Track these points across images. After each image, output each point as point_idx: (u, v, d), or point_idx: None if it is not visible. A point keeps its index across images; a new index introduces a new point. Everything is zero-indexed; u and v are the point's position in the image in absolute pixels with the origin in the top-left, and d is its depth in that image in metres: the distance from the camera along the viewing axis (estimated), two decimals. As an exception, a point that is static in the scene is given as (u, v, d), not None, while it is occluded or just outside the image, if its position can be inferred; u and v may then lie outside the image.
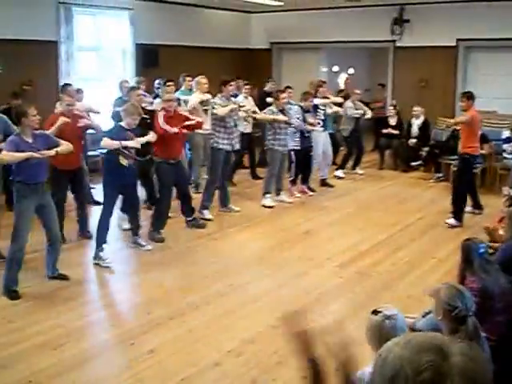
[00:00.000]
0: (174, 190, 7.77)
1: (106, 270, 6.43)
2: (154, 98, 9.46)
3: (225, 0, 13.37)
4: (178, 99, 8.88)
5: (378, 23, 13.32)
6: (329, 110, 10.52)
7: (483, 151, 9.51)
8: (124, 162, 6.58)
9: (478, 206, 8.54)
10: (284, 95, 9.07)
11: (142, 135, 6.81)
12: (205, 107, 8.79)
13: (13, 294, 5.61)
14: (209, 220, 8.18)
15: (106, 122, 8.21)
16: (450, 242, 7.26)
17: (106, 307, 5.63)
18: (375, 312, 2.95)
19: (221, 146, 8.26)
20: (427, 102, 12.02)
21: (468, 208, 8.33)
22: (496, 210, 7.48)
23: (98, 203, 8.45)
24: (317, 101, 9.97)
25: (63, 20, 10.85)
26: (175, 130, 7.28)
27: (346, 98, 11.59)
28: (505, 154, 10.12)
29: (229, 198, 8.77)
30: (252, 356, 4.58)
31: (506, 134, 10.10)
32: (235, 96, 9.86)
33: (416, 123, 11.75)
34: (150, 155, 7.46)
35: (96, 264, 6.51)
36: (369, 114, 11.49)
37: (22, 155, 5.46)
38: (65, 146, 5.90)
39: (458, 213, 7.99)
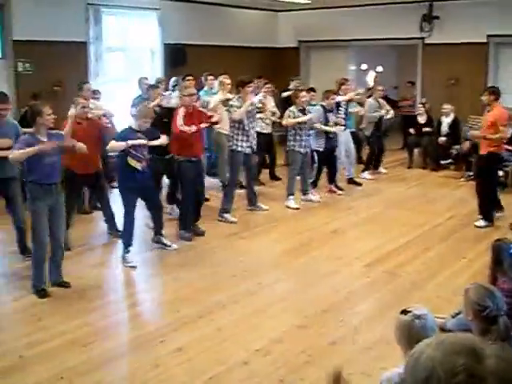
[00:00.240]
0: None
1: (133, 269, 6.47)
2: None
3: (252, -1, 13.41)
4: (198, 96, 8.87)
5: (406, 20, 13.20)
6: (351, 109, 10.41)
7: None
8: (137, 165, 6.44)
9: (498, 206, 8.32)
10: (303, 94, 8.97)
11: (156, 137, 6.72)
12: (226, 107, 8.77)
13: (41, 293, 5.63)
14: (232, 223, 8.09)
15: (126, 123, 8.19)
16: (479, 242, 7.17)
17: (134, 306, 5.67)
18: (405, 312, 2.93)
19: (239, 149, 8.14)
20: (457, 99, 11.90)
21: None
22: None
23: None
24: (339, 98, 9.83)
25: (92, 21, 10.98)
26: (193, 129, 7.15)
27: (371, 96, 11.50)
28: None
29: (256, 197, 8.74)
30: (280, 355, 4.57)
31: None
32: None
33: (446, 121, 11.63)
34: (171, 154, 7.43)
35: (123, 265, 6.55)
36: (391, 114, 11.29)
37: (30, 150, 5.36)
38: (81, 146, 5.95)
39: (486, 213, 7.86)
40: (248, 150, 8.20)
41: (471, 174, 10.78)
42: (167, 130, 7.19)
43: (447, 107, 11.58)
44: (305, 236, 7.66)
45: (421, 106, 12.51)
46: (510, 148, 9.25)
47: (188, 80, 9.02)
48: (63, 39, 10.42)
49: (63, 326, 5.06)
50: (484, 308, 3.26)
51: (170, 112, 7.63)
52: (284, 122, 9.01)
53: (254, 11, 14.75)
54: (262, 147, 10.11)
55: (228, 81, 8.95)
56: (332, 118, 9.44)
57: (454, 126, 11.59)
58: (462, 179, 10.80)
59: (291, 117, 8.85)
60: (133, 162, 6.41)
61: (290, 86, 11.72)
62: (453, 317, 4.75)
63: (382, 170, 11.55)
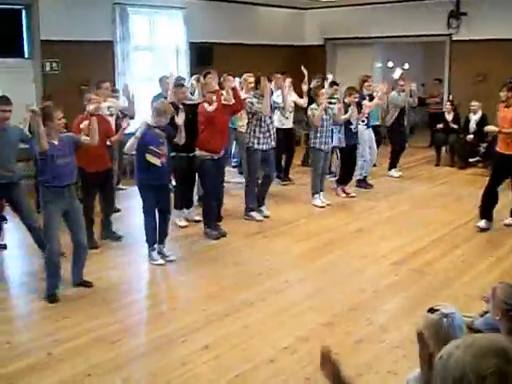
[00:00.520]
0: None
1: (160, 267, 6.50)
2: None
3: (278, -3, 13.40)
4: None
5: (433, 17, 13.08)
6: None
7: None
8: (156, 161, 6.32)
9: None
10: (323, 91, 8.85)
11: (172, 135, 6.66)
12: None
13: (51, 298, 5.52)
14: (258, 221, 8.07)
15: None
16: (508, 240, 7.10)
17: (161, 304, 5.70)
18: (432, 310, 2.90)
19: (256, 146, 8.02)
20: (485, 96, 11.74)
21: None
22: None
23: (117, 210, 8.34)
24: (365, 104, 9.67)
25: (118, 20, 11.05)
26: (213, 107, 7.14)
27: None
28: None
29: (263, 200, 8.44)
30: (306, 353, 4.56)
31: None
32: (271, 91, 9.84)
33: (474, 118, 11.49)
34: (194, 152, 7.38)
35: (150, 263, 6.56)
36: (414, 104, 11.27)
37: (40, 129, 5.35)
38: (91, 140, 5.95)
39: None
40: (265, 147, 8.09)
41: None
42: (191, 127, 7.17)
43: (475, 104, 11.45)
44: (330, 235, 7.63)
45: (448, 103, 12.40)
46: None
47: (209, 77, 8.98)
48: (90, 39, 10.51)
49: (90, 323, 5.11)
50: (511, 307, 3.23)
51: (192, 108, 7.55)
52: (314, 123, 8.72)
53: (280, 9, 14.73)
54: (281, 144, 10.07)
55: (251, 79, 8.87)
56: (355, 112, 9.28)
57: (482, 123, 11.42)
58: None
59: (314, 115, 8.73)
60: (151, 159, 6.31)
61: (312, 85, 11.53)
62: (481, 316, 4.70)
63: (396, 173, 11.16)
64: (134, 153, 6.46)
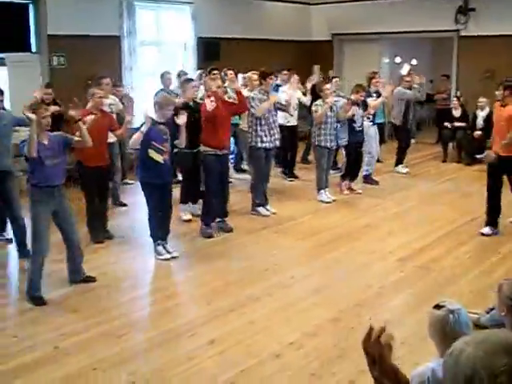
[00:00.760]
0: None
1: (166, 262, 6.51)
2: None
3: (285, -8, 13.37)
4: (225, 89, 8.82)
5: (441, 12, 13.04)
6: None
7: None
8: (159, 158, 6.27)
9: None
10: (327, 86, 8.80)
11: (176, 132, 6.57)
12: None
13: (37, 300, 5.38)
14: (264, 216, 8.04)
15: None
16: (515, 237, 7.07)
17: (167, 299, 5.70)
18: (438, 306, 2.90)
19: (259, 145, 7.94)
20: (493, 93, 11.69)
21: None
22: None
23: (123, 205, 8.51)
24: (370, 102, 9.60)
25: (126, 15, 11.05)
26: (211, 106, 6.98)
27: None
28: None
29: (267, 199, 8.38)
30: (312, 349, 4.56)
31: None
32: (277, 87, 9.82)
33: (481, 115, 11.43)
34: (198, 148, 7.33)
35: (156, 258, 6.56)
36: (422, 98, 11.16)
37: (31, 135, 5.16)
38: (83, 141, 5.68)
39: None
40: (268, 145, 8.01)
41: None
42: (195, 123, 7.14)
43: (482, 101, 11.38)
44: (336, 231, 7.62)
45: (456, 99, 12.35)
46: None
47: (214, 74, 8.90)
48: (97, 33, 10.52)
49: (96, 317, 5.12)
50: (517, 303, 3.22)
51: (197, 106, 7.52)
52: (317, 119, 8.67)
53: (287, 4, 14.72)
54: (284, 141, 10.04)
55: (255, 76, 8.69)
56: (359, 112, 9.20)
57: (490, 119, 11.39)
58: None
59: (318, 111, 8.67)
60: (154, 155, 6.25)
61: (314, 76, 11.51)
62: (487, 312, 4.70)
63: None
64: (138, 147, 6.41)
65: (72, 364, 4.37)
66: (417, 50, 15.78)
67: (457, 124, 11.89)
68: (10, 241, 6.84)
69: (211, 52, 12.40)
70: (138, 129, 6.43)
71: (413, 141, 13.61)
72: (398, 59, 15.33)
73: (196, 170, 7.69)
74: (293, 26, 14.82)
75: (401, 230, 7.64)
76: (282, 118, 9.66)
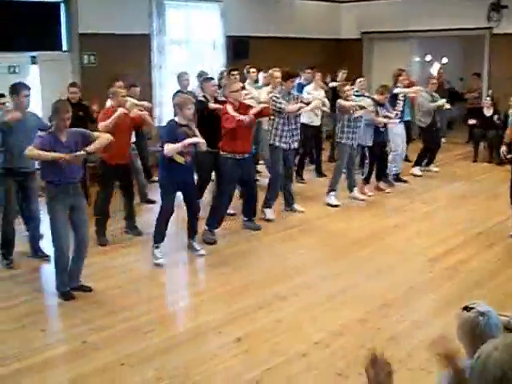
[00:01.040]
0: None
1: (193, 259, 6.53)
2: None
3: (315, -10, 13.32)
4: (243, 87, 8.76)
5: (473, 10, 12.86)
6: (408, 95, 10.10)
7: None
8: (180, 159, 6.18)
9: None
10: (347, 87, 8.64)
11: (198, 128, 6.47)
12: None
13: (67, 295, 5.44)
14: (269, 221, 7.81)
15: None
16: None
17: (194, 296, 5.73)
18: (467, 308, 2.85)
19: (277, 144, 7.80)
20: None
21: None
22: None
23: (151, 202, 8.55)
24: (397, 90, 9.55)
25: (155, 14, 11.10)
26: (250, 117, 6.90)
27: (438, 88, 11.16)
28: None
29: (293, 198, 8.34)
30: (339, 348, 4.54)
31: None
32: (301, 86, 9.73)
33: (513, 114, 11.26)
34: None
35: (152, 260, 6.40)
36: (448, 105, 10.68)
37: (48, 155, 5.19)
38: (101, 140, 5.56)
39: None
40: (285, 146, 7.85)
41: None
42: (215, 123, 7.09)
43: (515, 100, 11.21)
44: (365, 230, 7.58)
45: (488, 98, 12.18)
46: None
47: (233, 75, 8.84)
48: (127, 32, 10.58)
49: (124, 313, 5.17)
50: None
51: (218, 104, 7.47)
52: (346, 108, 8.48)
53: (317, 2, 14.65)
54: (309, 141, 9.96)
55: (278, 73, 8.57)
56: (382, 112, 9.04)
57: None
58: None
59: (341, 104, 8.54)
60: (177, 157, 6.16)
61: (338, 78, 11.28)
62: (518, 315, 4.62)
63: (433, 168, 10.93)
64: (155, 149, 6.33)
65: (100, 359, 4.41)
66: (447, 49, 15.63)
67: (493, 119, 11.66)
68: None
69: (240, 50, 12.39)
70: (168, 133, 6.28)
71: (443, 140, 13.47)
72: (428, 58, 15.20)
73: (211, 170, 7.66)
74: (322, 24, 14.75)
75: (429, 230, 7.57)
76: (306, 118, 9.63)
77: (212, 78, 8.33)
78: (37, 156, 5.31)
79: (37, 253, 6.44)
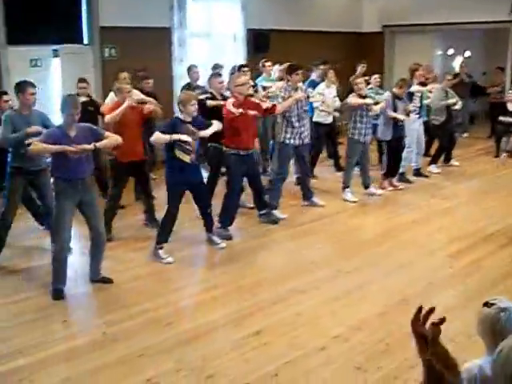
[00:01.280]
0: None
1: (210, 253, 6.55)
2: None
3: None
4: (254, 85, 8.63)
5: (496, 3, 12.70)
6: (424, 101, 9.91)
7: None
8: (186, 158, 6.10)
9: None
10: (359, 80, 8.54)
11: (207, 126, 6.36)
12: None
13: (57, 293, 5.34)
14: (279, 220, 7.62)
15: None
16: None
17: (213, 288, 5.74)
18: (488, 304, 2.83)
19: (287, 141, 7.68)
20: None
21: None
22: None
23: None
24: (413, 89, 9.39)
25: (176, 7, 11.11)
26: (239, 110, 6.72)
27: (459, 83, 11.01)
28: None
29: (311, 192, 8.26)
30: (358, 343, 4.53)
31: None
32: (314, 84, 9.64)
33: (536, 109, 11.14)
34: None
35: (156, 259, 6.35)
36: (459, 105, 10.35)
37: (52, 148, 5.16)
38: (111, 140, 5.55)
39: None
40: (297, 142, 7.72)
41: None
42: (221, 118, 6.95)
43: (538, 94, 11.09)
44: (384, 225, 7.55)
45: (510, 92, 12.04)
46: None
47: (243, 71, 8.76)
48: (147, 25, 10.59)
49: (143, 305, 5.20)
50: None
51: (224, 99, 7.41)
52: (349, 100, 8.44)
53: (338, -5, 14.58)
54: (322, 138, 9.87)
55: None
56: (401, 106, 8.86)
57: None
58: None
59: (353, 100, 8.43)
60: (181, 155, 6.09)
61: (357, 71, 11.06)
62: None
63: (454, 162, 10.80)
64: (159, 145, 6.21)
65: (119, 350, 4.45)
66: (470, 42, 15.46)
67: (505, 119, 11.54)
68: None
69: (261, 44, 12.37)
70: (167, 126, 6.23)
71: (465, 135, 13.34)
72: (450, 51, 15.06)
73: (219, 165, 7.55)
74: (343, 17, 14.65)
75: (450, 226, 7.51)
76: (319, 116, 9.57)
77: (220, 74, 8.27)
78: (42, 150, 5.26)
79: None
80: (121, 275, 5.86)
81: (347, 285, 5.68)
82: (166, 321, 4.91)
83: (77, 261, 6.06)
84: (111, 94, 7.75)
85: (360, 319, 4.93)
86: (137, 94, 7.76)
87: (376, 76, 10.02)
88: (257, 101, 7.52)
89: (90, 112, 7.81)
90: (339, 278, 5.85)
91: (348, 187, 8.62)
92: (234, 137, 6.91)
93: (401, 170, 9.54)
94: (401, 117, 8.78)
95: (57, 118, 6.32)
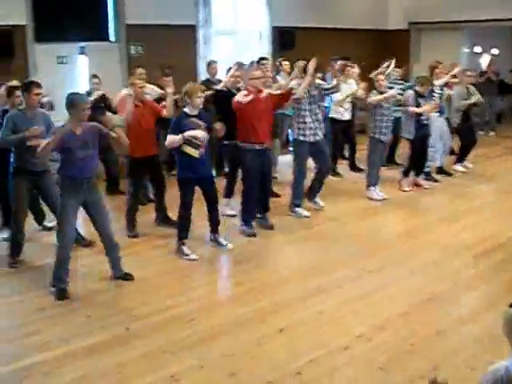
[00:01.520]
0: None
1: (234, 249, 6.55)
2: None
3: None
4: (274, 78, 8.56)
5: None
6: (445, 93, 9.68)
7: None
8: (195, 153, 6.00)
9: None
10: (380, 77, 8.40)
11: (210, 123, 6.29)
12: None
13: (60, 293, 5.30)
14: (306, 217, 7.62)
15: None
16: None
17: (236, 286, 5.74)
18: (514, 305, 2.79)
19: (301, 138, 7.51)
20: None
21: None
22: None
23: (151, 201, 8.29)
24: (437, 82, 9.16)
25: (201, 4, 11.13)
26: (248, 98, 6.63)
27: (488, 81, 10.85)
28: None
29: (317, 191, 7.99)
30: (382, 342, 4.50)
31: None
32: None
33: None
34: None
35: (179, 256, 6.34)
36: (476, 99, 10.00)
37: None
38: (123, 140, 5.58)
39: None
40: (312, 138, 7.52)
41: None
42: (230, 115, 6.95)
43: None
44: (407, 224, 7.51)
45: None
46: None
47: (263, 64, 8.68)
48: (173, 23, 10.63)
49: (166, 301, 5.22)
50: None
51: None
52: (369, 100, 8.35)
53: (364, -8, 14.49)
54: (338, 136, 9.78)
55: (302, 64, 8.47)
56: (424, 103, 8.66)
57: None
58: None
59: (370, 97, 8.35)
60: (190, 150, 6.01)
61: (383, 67, 11.00)
62: None
63: (467, 164, 10.46)
64: (175, 146, 6.09)
65: (142, 346, 4.47)
66: (497, 40, 15.23)
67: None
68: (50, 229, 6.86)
69: (286, 41, 12.35)
70: (174, 124, 6.11)
71: (492, 133, 13.20)
72: (477, 49, 14.86)
73: (236, 164, 7.43)
74: (369, 14, 14.55)
75: (474, 225, 7.41)
76: (335, 112, 9.50)
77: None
78: (45, 147, 5.12)
79: (79, 241, 6.46)
80: (144, 272, 5.89)
81: (370, 284, 5.64)
82: (188, 317, 4.92)
83: (99, 256, 6.10)
84: (123, 90, 7.80)
85: (383, 318, 4.89)
86: (151, 89, 7.77)
87: (397, 69, 9.90)
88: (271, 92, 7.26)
89: (101, 108, 7.84)
90: (362, 277, 5.82)
91: (372, 185, 8.54)
92: (248, 131, 6.79)
93: (426, 170, 9.43)
94: (420, 110, 8.57)
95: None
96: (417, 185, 9.15)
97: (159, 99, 7.78)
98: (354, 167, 10.19)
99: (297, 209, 7.70)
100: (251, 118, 6.72)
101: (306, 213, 7.70)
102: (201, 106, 6.20)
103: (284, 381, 4.03)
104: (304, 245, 6.79)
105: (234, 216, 7.46)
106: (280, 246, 6.75)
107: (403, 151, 9.73)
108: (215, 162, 9.32)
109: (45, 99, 7.12)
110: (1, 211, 6.93)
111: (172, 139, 6.00)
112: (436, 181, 9.50)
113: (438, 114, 9.42)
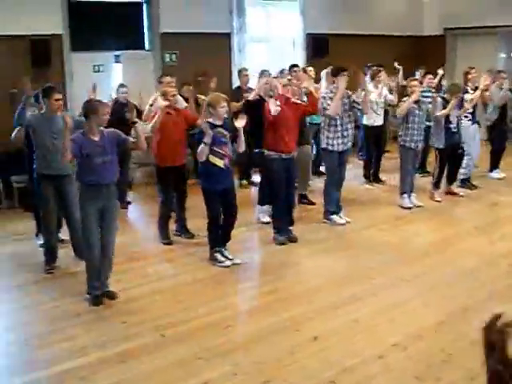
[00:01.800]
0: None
1: (268, 257, 6.55)
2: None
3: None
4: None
5: None
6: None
7: None
8: (219, 163, 6.00)
9: None
10: (414, 83, 8.25)
11: (233, 132, 6.17)
12: None
13: (95, 300, 5.35)
14: (341, 224, 7.59)
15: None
16: None
17: (271, 293, 5.73)
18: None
19: (330, 148, 7.42)
20: None
21: None
22: None
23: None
24: (467, 96, 8.96)
25: (236, 12, 11.21)
26: (277, 108, 6.54)
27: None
28: None
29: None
30: (417, 352, 4.45)
31: None
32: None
33: None
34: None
35: (214, 264, 6.34)
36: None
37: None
38: (142, 143, 5.55)
39: None
40: (341, 148, 7.44)
41: None
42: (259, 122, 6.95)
43: None
44: (443, 232, 7.42)
45: None
46: None
47: (294, 71, 8.67)
48: (207, 31, 10.72)
49: (202, 308, 5.25)
50: None
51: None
52: (400, 111, 8.22)
53: (398, -2, 14.41)
54: (371, 142, 9.70)
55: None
56: (453, 111, 8.48)
57: None
58: None
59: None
60: (215, 160, 5.98)
61: (416, 76, 10.68)
62: None
63: (494, 174, 10.19)
64: (204, 159, 6.03)
65: (177, 352, 4.49)
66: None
67: None
68: (61, 241, 6.74)
69: (320, 48, 12.34)
70: (200, 135, 6.01)
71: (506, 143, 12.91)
72: (515, 54, 14.63)
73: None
74: (403, 20, 14.44)
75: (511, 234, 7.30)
76: (366, 119, 9.42)
77: (269, 75, 8.34)
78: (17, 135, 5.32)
79: None
80: (178, 278, 5.94)
81: (406, 292, 5.59)
82: (223, 324, 4.93)
83: (132, 263, 6.15)
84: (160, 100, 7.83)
85: (419, 327, 4.83)
86: (181, 101, 7.78)
87: (430, 76, 9.80)
88: (300, 102, 7.19)
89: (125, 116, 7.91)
90: (397, 286, 5.76)
91: (405, 193, 8.42)
92: (276, 140, 6.78)
93: (462, 177, 9.30)
94: (444, 112, 8.38)
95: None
96: (451, 193, 9.00)
97: None
98: (376, 179, 9.94)
99: (332, 216, 7.66)
100: (279, 127, 6.72)
101: (341, 220, 7.66)
102: (225, 116, 6.19)
103: (318, 389, 4.01)
104: (337, 253, 6.75)
105: (267, 223, 7.46)
106: (313, 253, 6.72)
107: (431, 160, 9.59)
108: (242, 170, 9.36)
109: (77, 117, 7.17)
110: (35, 218, 7.03)
111: (201, 151, 5.94)
112: (475, 187, 9.34)
113: (470, 122, 9.29)
